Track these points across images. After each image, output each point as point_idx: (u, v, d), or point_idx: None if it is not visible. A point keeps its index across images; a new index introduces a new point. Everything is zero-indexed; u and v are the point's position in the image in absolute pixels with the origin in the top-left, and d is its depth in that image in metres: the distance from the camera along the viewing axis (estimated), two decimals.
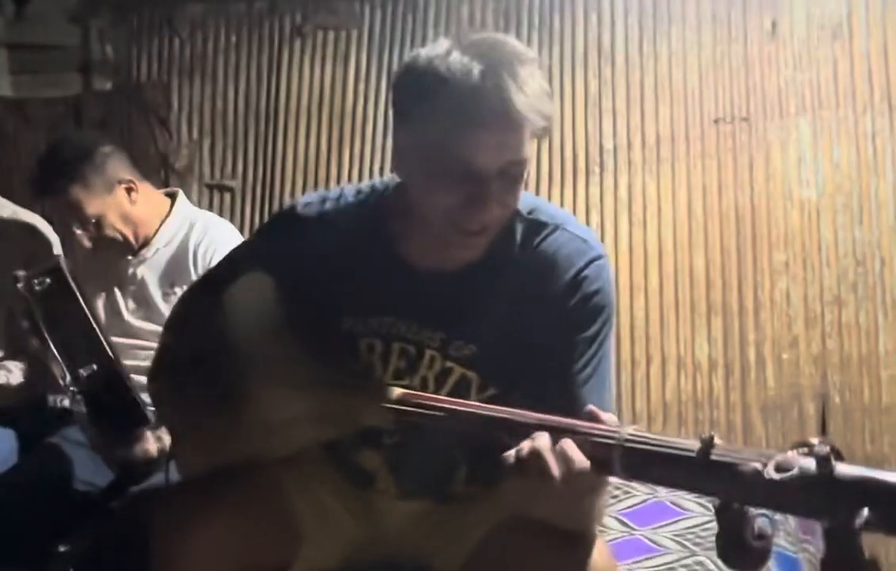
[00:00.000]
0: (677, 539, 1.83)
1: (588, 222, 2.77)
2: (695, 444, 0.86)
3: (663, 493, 2.00)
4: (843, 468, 0.77)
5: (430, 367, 1.29)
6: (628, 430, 0.94)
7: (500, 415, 1.05)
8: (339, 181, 2.99)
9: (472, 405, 1.16)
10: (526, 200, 1.30)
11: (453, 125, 1.15)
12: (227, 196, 3.08)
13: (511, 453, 0.98)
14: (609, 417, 1.00)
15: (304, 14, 3.08)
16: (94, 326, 1.72)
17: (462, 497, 1.35)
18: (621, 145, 2.79)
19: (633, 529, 1.89)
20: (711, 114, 2.74)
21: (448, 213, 1.20)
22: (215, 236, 2.13)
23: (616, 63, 2.82)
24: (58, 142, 2.15)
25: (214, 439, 1.33)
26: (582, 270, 1.27)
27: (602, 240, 2.72)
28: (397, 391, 1.17)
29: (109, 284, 2.16)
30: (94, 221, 2.06)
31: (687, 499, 1.97)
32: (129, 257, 2.15)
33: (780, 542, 1.82)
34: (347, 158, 2.99)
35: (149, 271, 2.14)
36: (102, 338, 1.72)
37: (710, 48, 2.76)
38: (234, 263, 1.45)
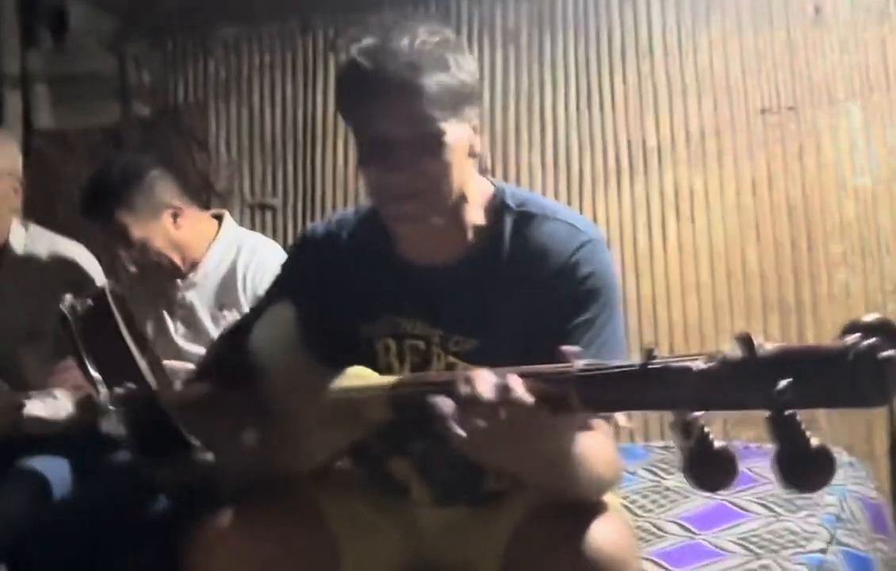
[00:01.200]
0: (741, 542, 1.76)
1: (635, 221, 2.73)
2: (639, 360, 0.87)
3: (723, 495, 1.94)
4: (767, 348, 0.77)
5: (438, 362, 1.31)
6: (582, 362, 0.94)
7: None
8: None
9: (452, 373, 1.17)
10: (516, 193, 1.35)
11: (350, 106, 1.25)
12: (269, 215, 3.09)
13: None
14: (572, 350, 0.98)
15: (337, 29, 3.09)
16: (131, 348, 1.71)
17: (497, 497, 1.34)
18: (665, 142, 2.74)
19: (694, 533, 1.84)
20: (757, 104, 2.67)
21: (373, 189, 1.27)
22: (263, 259, 2.12)
23: (655, 58, 2.78)
24: (105, 166, 2.16)
25: (246, 455, 1.37)
26: (572, 255, 1.27)
27: (650, 238, 2.71)
28: (391, 379, 1.18)
29: (158, 308, 2.16)
30: (139, 245, 2.06)
31: (747, 500, 1.91)
32: (178, 282, 2.14)
33: (850, 541, 1.76)
34: None
35: (197, 294, 2.14)
36: (138, 356, 1.72)
37: (752, 37, 2.69)
38: (265, 296, 1.55)
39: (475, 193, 1.32)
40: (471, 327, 1.29)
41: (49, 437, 2.08)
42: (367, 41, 1.23)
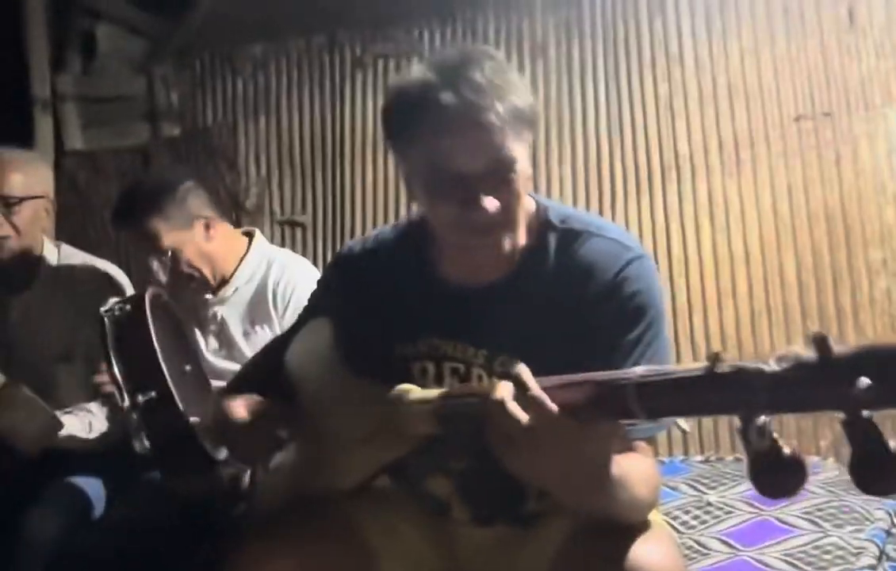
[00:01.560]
0: (787, 559, 1.72)
1: (668, 231, 2.70)
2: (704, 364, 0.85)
3: (767, 510, 1.90)
4: (841, 348, 0.74)
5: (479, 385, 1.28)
6: (642, 369, 0.92)
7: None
8: (408, 207, 2.96)
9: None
10: (559, 210, 1.33)
11: (425, 140, 1.21)
12: (299, 232, 3.09)
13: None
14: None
15: (363, 45, 3.09)
16: (158, 355, 1.72)
17: (537, 517, 1.32)
18: (697, 149, 2.70)
19: (739, 550, 1.79)
20: (791, 111, 2.63)
21: (452, 223, 1.24)
22: (293, 275, 2.12)
23: (685, 65, 2.75)
24: (140, 177, 2.20)
25: (284, 471, 1.38)
26: (619, 272, 1.25)
27: (685, 247, 2.67)
28: (433, 392, 1.17)
29: (191, 324, 2.17)
30: (169, 253, 2.06)
31: (793, 515, 1.86)
32: (209, 297, 2.15)
33: None
34: None
35: (229, 310, 2.15)
36: (165, 369, 1.72)
37: (784, 43, 2.66)
38: (303, 313, 1.54)
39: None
40: (516, 347, 1.26)
41: (84, 452, 2.09)
42: (431, 70, 1.21)
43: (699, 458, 2.36)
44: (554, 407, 0.95)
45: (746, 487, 2.01)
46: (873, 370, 0.71)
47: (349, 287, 1.43)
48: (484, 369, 1.29)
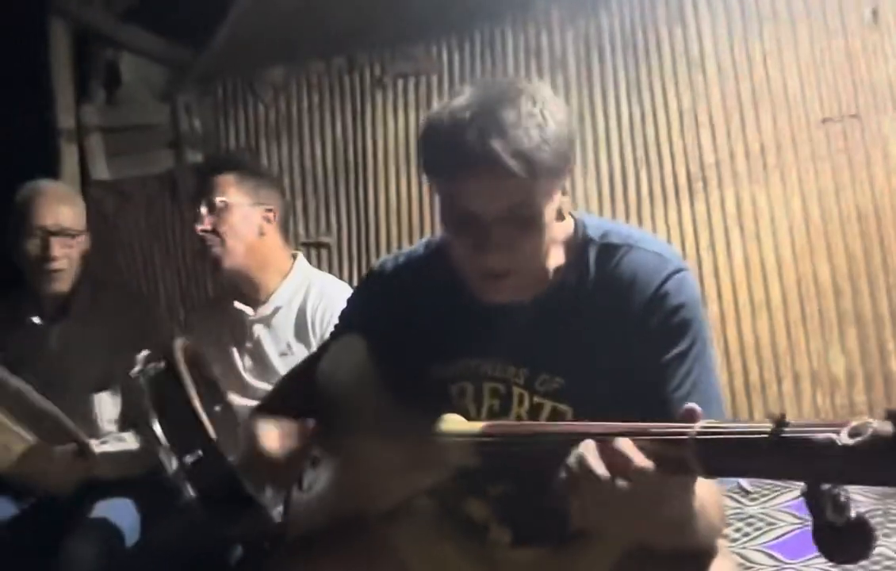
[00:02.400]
0: (834, 569, 1.68)
1: (698, 241, 2.67)
2: (769, 425, 0.81)
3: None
4: None
5: (520, 404, 1.27)
6: (701, 423, 0.88)
7: (578, 430, 1.00)
8: (431, 226, 2.95)
9: (549, 425, 1.15)
10: (598, 224, 1.31)
11: (448, 174, 1.21)
12: (325, 253, 3.09)
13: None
14: (692, 408, 0.93)
15: (383, 65, 3.09)
16: (200, 415, 1.71)
17: (579, 540, 1.28)
18: (723, 158, 2.67)
19: (784, 563, 1.77)
20: (817, 114, 2.60)
21: (464, 259, 1.24)
22: (331, 300, 2.12)
23: (707, 73, 2.72)
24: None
25: (320, 492, 1.37)
26: (661, 286, 1.22)
27: (714, 257, 2.64)
28: (478, 426, 1.16)
29: (227, 343, 2.19)
30: (225, 206, 2.07)
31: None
32: (249, 315, 2.14)
33: None
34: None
35: (267, 331, 2.16)
36: (207, 425, 1.71)
37: (808, 45, 2.63)
38: (336, 331, 1.53)
39: (557, 231, 1.28)
40: (557, 365, 1.25)
41: (119, 480, 2.10)
42: (466, 102, 1.18)
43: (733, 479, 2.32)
44: (648, 467, 0.90)
45: (788, 497, 1.99)
46: None
47: (383, 305, 1.42)
48: (525, 388, 1.27)
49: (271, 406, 1.51)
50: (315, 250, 3.09)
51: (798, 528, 1.87)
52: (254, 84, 3.21)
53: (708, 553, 1.12)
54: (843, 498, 0.76)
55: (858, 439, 0.73)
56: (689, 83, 2.73)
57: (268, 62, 3.18)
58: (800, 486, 0.79)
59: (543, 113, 1.18)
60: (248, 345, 2.17)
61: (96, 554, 1.95)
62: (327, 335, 2.02)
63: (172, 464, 1.68)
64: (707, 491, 1.05)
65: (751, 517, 1.96)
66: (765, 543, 1.84)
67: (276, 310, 2.15)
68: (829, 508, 0.76)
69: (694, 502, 0.99)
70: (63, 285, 2.21)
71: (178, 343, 1.81)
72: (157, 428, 1.68)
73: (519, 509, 1.30)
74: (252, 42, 3.06)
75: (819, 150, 2.59)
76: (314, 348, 2.06)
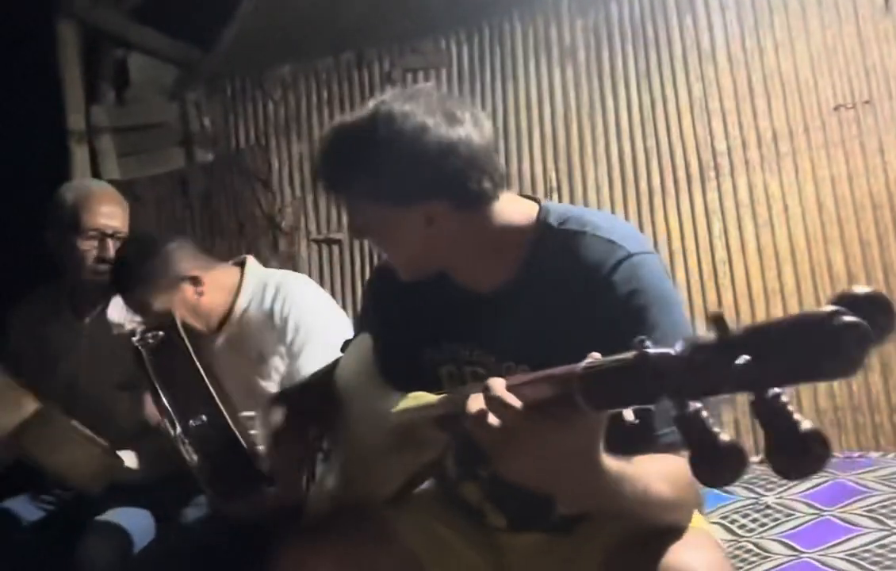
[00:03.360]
0: (852, 559, 1.67)
1: (710, 229, 2.66)
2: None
3: (830, 512, 1.86)
4: (737, 327, 0.71)
5: None
6: (588, 361, 0.89)
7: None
8: None
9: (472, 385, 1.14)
10: (561, 211, 1.30)
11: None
12: (336, 249, 3.09)
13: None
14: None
15: (392, 60, 3.09)
16: (203, 376, 1.71)
17: (577, 523, 1.30)
18: (735, 146, 2.67)
19: (801, 552, 1.75)
20: (830, 101, 2.59)
21: None
22: (289, 292, 2.06)
23: (718, 62, 2.71)
24: (123, 244, 2.19)
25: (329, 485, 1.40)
26: (610, 273, 1.20)
27: (727, 245, 2.63)
28: (436, 398, 1.19)
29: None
30: (161, 316, 1.99)
31: (856, 513, 1.82)
32: (212, 340, 2.10)
33: None
34: None
35: (233, 349, 2.08)
36: (211, 388, 1.71)
37: (819, 33, 2.62)
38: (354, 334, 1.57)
39: (518, 217, 1.29)
40: (520, 352, 1.25)
41: (134, 484, 2.11)
42: (338, 126, 1.28)
43: (755, 459, 2.31)
44: (517, 403, 0.92)
45: (805, 488, 1.97)
46: (757, 346, 0.69)
47: (384, 299, 1.46)
48: (496, 373, 1.27)
49: (289, 399, 1.52)
50: (326, 246, 3.09)
51: (815, 518, 1.85)
52: (263, 81, 3.21)
53: (697, 539, 1.12)
54: (712, 421, 0.75)
55: (683, 349, 0.74)
56: (700, 73, 2.73)
57: (276, 59, 3.18)
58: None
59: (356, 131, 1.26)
60: (221, 363, 2.06)
61: (111, 556, 1.95)
62: (290, 327, 2.03)
63: (176, 427, 1.68)
64: (652, 464, 1.06)
65: (767, 507, 1.94)
66: (781, 533, 1.82)
67: (237, 328, 2.08)
68: (695, 429, 0.75)
69: (597, 455, 0.97)
70: (100, 280, 2.22)
71: (177, 316, 1.81)
72: (161, 392, 1.69)
73: (510, 491, 1.26)
74: (260, 40, 3.06)
75: (832, 137, 2.58)
76: (280, 344, 2.04)
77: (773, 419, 0.69)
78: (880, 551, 1.67)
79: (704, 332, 0.72)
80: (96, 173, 3.17)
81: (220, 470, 1.72)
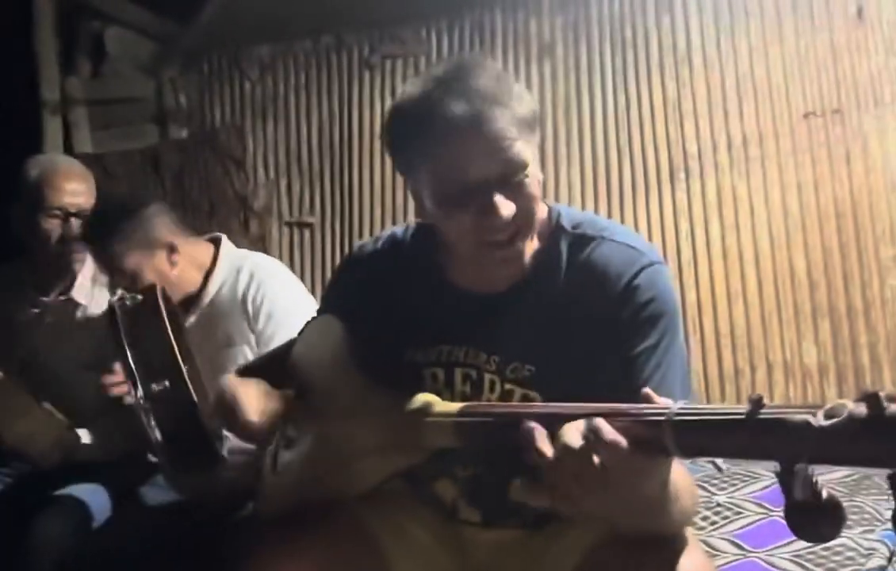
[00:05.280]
0: (796, 560, 1.70)
1: (677, 230, 2.69)
2: (743, 408, 0.82)
3: (778, 512, 1.89)
4: (894, 407, 0.71)
5: (491, 390, 1.27)
6: (679, 405, 0.89)
7: (555, 411, 1.00)
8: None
9: (525, 406, 1.14)
10: (572, 214, 1.31)
11: (434, 152, 1.19)
12: (307, 232, 3.09)
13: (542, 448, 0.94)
14: (665, 400, 0.93)
15: (371, 46, 3.09)
16: (173, 345, 1.71)
17: (554, 520, 1.30)
18: (706, 148, 2.69)
19: (748, 551, 1.78)
20: (800, 108, 2.62)
21: (470, 234, 1.21)
22: (262, 279, 2.04)
23: (693, 65, 2.74)
24: (106, 197, 2.17)
25: (297, 474, 1.35)
26: (633, 279, 1.22)
27: (693, 246, 2.66)
28: (455, 406, 1.15)
29: None
30: (130, 276, 2.00)
31: None
32: (189, 321, 2.06)
33: None
34: None
35: (202, 331, 2.06)
36: (179, 358, 1.71)
37: (793, 40, 2.65)
38: (317, 313, 1.52)
39: (540, 210, 1.27)
40: (528, 353, 1.25)
41: (90, 461, 2.11)
42: (431, 83, 1.19)
43: (707, 459, 2.35)
44: (625, 444, 0.89)
45: (755, 488, 2.00)
46: None
47: (361, 288, 1.41)
48: (496, 374, 1.27)
49: (252, 371, 1.50)
50: (298, 229, 3.09)
51: (764, 518, 1.88)
52: (240, 61, 3.20)
53: (679, 539, 1.12)
54: (815, 479, 0.77)
55: (834, 420, 0.74)
56: (675, 74, 2.75)
57: (255, 39, 3.17)
58: (770, 473, 0.81)
59: (505, 77, 1.21)
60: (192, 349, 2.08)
61: (66, 533, 1.94)
62: (262, 315, 2.02)
63: (138, 389, 1.68)
64: (680, 477, 1.06)
65: (718, 506, 1.97)
66: (730, 532, 1.85)
67: (206, 307, 2.06)
68: (801, 488, 0.77)
69: (668, 485, 1.00)
70: (80, 264, 2.20)
71: (159, 287, 1.80)
72: (129, 356, 1.68)
73: (488, 489, 1.31)
74: (239, 18, 3.05)
75: (800, 143, 2.61)
76: (250, 331, 2.02)
77: None
78: (825, 553, 1.70)
79: (850, 404, 0.73)
80: (69, 146, 3.15)
81: (177, 441, 1.72)
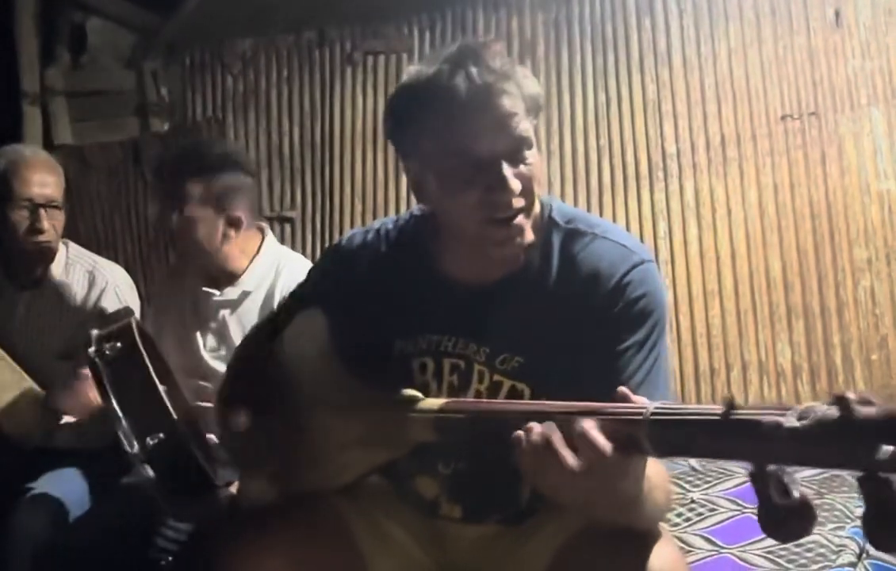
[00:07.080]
0: (769, 556, 1.73)
1: (655, 229, 2.71)
2: (719, 408, 0.83)
3: (752, 509, 1.91)
4: (865, 410, 0.73)
5: (480, 381, 1.28)
6: (654, 405, 0.91)
7: (538, 409, 1.02)
8: (397, 205, 2.97)
9: (508, 403, 1.16)
10: (565, 210, 1.32)
11: (441, 128, 1.20)
12: (288, 227, 3.09)
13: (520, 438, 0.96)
14: (641, 399, 0.96)
15: (353, 41, 3.09)
16: (162, 396, 1.69)
17: (531, 516, 1.32)
18: (684, 149, 2.72)
19: (721, 547, 1.80)
20: (777, 110, 2.65)
21: (476, 211, 1.22)
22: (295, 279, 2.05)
23: (673, 65, 2.76)
24: (210, 141, 2.12)
25: (277, 469, 1.35)
26: (624, 276, 1.24)
27: (671, 246, 2.69)
28: (438, 402, 1.16)
29: (189, 319, 2.10)
30: (185, 222, 1.97)
31: None
32: (215, 296, 2.07)
33: (882, 554, 1.72)
34: (405, 182, 2.96)
35: (233, 315, 2.06)
36: (170, 407, 1.69)
37: (772, 43, 2.68)
38: (293, 301, 1.50)
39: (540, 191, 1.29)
40: (518, 345, 1.26)
41: (71, 451, 2.10)
42: (437, 63, 1.21)
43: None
44: (608, 447, 0.91)
45: (729, 485, 2.03)
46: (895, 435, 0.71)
47: (348, 279, 1.40)
48: (485, 365, 1.28)
49: (232, 389, 1.45)
50: (279, 223, 3.08)
51: (737, 515, 1.91)
52: (222, 54, 3.19)
53: (652, 534, 1.14)
54: (786, 480, 0.79)
55: (804, 422, 0.75)
56: (655, 75, 2.77)
57: (237, 32, 3.16)
58: (744, 471, 0.82)
59: (510, 59, 1.23)
60: (213, 325, 2.06)
61: (43, 525, 1.93)
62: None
63: (133, 445, 1.66)
64: (656, 474, 1.08)
65: (692, 502, 1.99)
66: (704, 528, 1.87)
67: (244, 295, 2.05)
68: (773, 488, 0.79)
69: (643, 482, 1.02)
70: (48, 256, 2.18)
71: (134, 322, 1.78)
72: (117, 409, 1.66)
73: (470, 486, 1.32)
74: (221, 12, 3.04)
75: (777, 145, 2.64)
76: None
77: (879, 496, 0.73)
78: (797, 549, 1.72)
79: (821, 406, 0.75)
80: (49, 137, 3.13)
81: (177, 485, 1.70)
